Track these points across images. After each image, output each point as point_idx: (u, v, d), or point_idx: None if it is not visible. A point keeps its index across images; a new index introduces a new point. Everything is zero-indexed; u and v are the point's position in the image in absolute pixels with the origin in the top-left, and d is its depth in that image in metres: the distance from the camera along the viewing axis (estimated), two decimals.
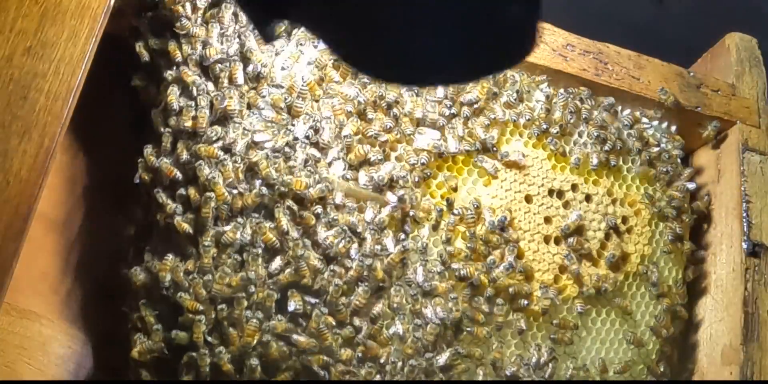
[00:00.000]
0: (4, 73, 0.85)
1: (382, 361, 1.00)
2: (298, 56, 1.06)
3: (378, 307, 1.01)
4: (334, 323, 0.99)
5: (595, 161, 1.17)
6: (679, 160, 1.26)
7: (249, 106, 1.03)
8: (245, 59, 1.03)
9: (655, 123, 1.28)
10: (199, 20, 1.04)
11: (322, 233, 1.00)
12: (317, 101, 1.05)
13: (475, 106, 1.13)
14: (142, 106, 1.08)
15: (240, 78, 1.03)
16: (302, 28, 1.03)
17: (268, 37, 0.57)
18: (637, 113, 1.26)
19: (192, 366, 0.98)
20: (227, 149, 1.00)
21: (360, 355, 1.00)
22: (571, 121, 1.19)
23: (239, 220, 0.99)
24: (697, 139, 1.31)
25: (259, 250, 0.98)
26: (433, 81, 0.76)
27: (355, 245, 1.01)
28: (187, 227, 1.00)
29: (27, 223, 0.83)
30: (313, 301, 0.99)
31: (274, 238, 0.98)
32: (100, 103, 0.99)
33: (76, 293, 1.08)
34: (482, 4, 0.50)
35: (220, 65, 1.03)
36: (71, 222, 1.08)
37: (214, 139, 1.00)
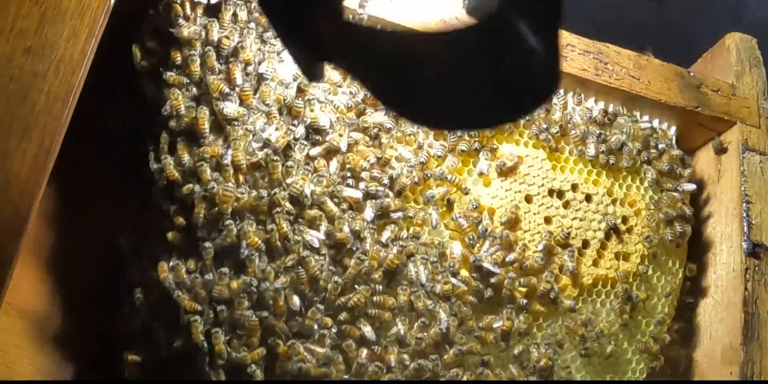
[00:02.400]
0: (4, 73, 0.85)
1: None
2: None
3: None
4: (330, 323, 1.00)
5: (592, 152, 1.18)
6: (679, 161, 1.26)
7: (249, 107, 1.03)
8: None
9: (655, 123, 1.28)
10: (199, 21, 1.04)
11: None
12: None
13: None
14: (141, 105, 1.08)
15: (239, 78, 1.03)
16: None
17: (314, 77, 0.59)
18: (637, 113, 1.27)
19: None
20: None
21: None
22: (572, 121, 1.19)
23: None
24: (697, 139, 1.32)
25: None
26: (458, 126, 0.81)
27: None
28: (182, 221, 1.01)
29: (27, 223, 0.83)
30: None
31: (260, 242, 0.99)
32: (100, 103, 0.99)
33: (77, 293, 1.08)
34: (505, 54, 0.52)
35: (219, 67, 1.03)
36: (71, 222, 1.08)
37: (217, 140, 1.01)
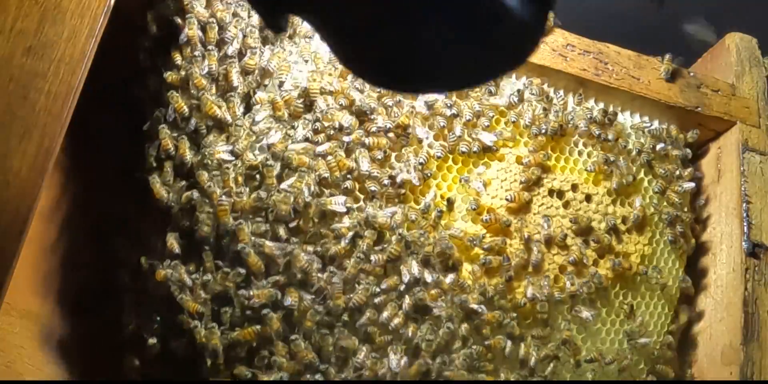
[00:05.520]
0: (4, 73, 0.85)
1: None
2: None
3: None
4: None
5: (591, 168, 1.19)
6: (679, 161, 1.26)
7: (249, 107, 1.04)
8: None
9: (656, 123, 1.28)
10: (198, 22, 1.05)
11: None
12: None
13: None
14: (140, 105, 1.08)
15: (235, 80, 1.03)
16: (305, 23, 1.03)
17: (278, 29, 0.56)
18: (637, 113, 1.27)
19: None
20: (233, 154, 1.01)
21: None
22: (572, 121, 1.19)
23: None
24: (697, 139, 1.31)
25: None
26: (432, 88, 0.76)
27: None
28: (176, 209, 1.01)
29: (27, 223, 0.83)
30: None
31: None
32: (100, 103, 0.99)
33: (77, 293, 1.08)
34: (487, 7, 0.50)
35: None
36: (72, 222, 1.08)
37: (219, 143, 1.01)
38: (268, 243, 0.98)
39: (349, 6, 0.51)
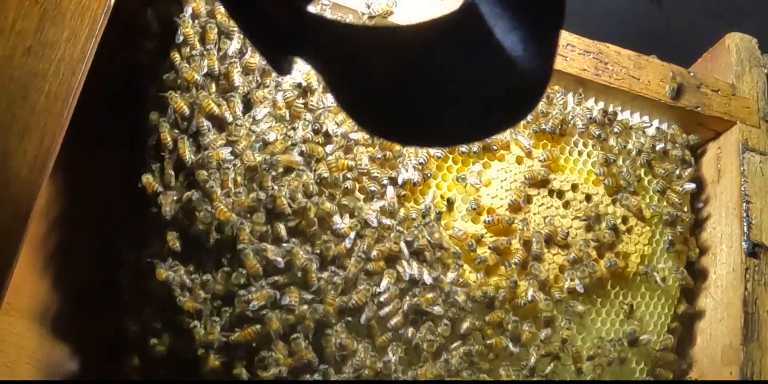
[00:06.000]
0: (4, 73, 0.85)
1: None
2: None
3: None
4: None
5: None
6: (679, 161, 1.26)
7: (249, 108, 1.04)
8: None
9: (656, 123, 1.28)
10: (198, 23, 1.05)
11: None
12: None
13: None
14: (141, 105, 1.08)
15: (237, 79, 1.03)
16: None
17: (282, 72, 0.55)
18: (637, 113, 1.27)
19: None
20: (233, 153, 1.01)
21: None
22: (572, 121, 1.19)
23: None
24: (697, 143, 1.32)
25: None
26: (433, 143, 0.73)
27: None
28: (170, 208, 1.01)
29: (27, 223, 0.83)
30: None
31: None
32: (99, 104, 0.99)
33: (77, 293, 1.08)
34: (491, 65, 0.48)
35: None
36: (72, 222, 1.08)
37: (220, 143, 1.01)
38: (270, 247, 0.99)
39: (354, 55, 0.49)
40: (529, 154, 1.15)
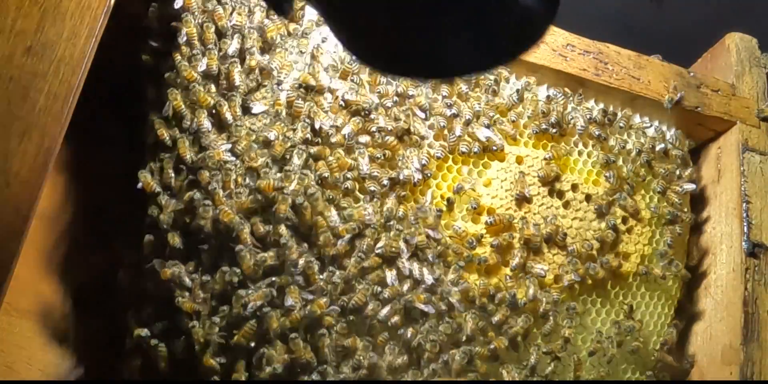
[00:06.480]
0: (4, 73, 0.85)
1: None
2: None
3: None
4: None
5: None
6: (679, 161, 1.26)
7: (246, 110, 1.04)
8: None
9: (656, 123, 1.28)
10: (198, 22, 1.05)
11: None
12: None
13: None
14: (141, 105, 1.08)
15: (237, 79, 1.03)
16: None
17: (282, 12, 0.54)
18: (637, 113, 1.27)
19: None
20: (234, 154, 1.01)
21: None
22: (572, 121, 1.19)
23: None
24: (697, 140, 1.31)
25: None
26: (440, 74, 0.72)
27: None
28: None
29: (27, 223, 0.83)
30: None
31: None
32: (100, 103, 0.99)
33: (77, 293, 1.08)
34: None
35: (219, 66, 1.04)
36: (72, 222, 1.08)
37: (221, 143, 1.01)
38: (270, 253, 0.99)
39: None
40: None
